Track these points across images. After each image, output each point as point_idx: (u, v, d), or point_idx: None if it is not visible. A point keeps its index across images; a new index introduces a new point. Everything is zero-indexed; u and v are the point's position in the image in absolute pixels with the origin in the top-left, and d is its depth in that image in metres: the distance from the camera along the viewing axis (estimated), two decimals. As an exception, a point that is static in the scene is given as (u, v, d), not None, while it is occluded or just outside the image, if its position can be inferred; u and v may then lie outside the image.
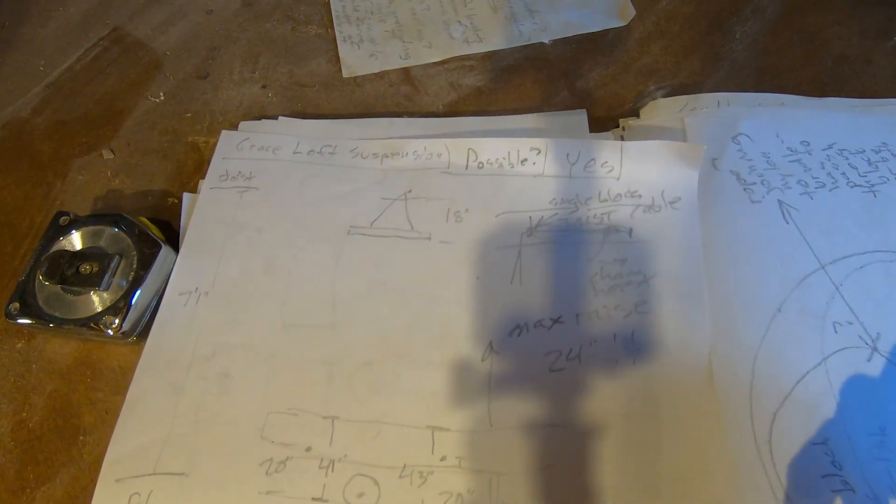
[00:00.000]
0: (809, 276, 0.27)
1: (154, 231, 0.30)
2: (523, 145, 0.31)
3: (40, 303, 0.27)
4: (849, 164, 0.30)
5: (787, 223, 0.28)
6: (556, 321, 0.27)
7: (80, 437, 0.28)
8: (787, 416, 0.24)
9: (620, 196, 0.30)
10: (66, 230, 0.28)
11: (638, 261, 0.28)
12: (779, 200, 0.29)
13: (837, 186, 0.29)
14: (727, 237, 0.28)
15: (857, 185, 0.29)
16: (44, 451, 0.27)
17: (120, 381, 0.28)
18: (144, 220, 0.30)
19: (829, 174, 0.29)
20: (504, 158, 0.31)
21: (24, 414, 0.28)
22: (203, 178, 0.33)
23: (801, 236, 0.28)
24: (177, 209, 0.33)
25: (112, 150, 0.36)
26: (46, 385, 0.29)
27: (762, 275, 0.27)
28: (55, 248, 0.28)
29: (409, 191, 0.32)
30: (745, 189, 0.29)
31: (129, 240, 0.28)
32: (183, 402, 0.27)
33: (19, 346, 0.30)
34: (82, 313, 0.27)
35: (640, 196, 0.29)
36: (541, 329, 0.27)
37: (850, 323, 0.26)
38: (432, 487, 0.25)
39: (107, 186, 0.34)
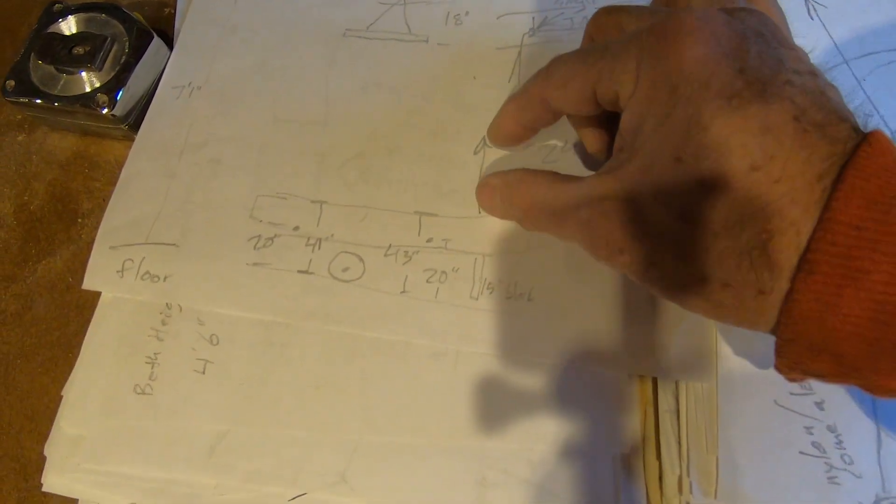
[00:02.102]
0: (830, 70, 0.25)
1: (147, 25, 0.29)
2: (531, -60, 0.29)
3: (35, 81, 0.27)
4: (889, -37, 0.27)
5: (812, 19, 0.26)
6: (553, 116, 0.26)
7: (79, 220, 0.28)
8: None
9: (632, -6, 0.28)
10: (59, 16, 0.28)
11: (645, 56, 0.26)
12: (805, -3, 0.26)
13: (873, -16, 0.26)
14: (744, 32, 0.26)
15: (895, -16, 0.26)
16: (45, 230, 0.28)
17: (116, 174, 0.28)
18: (139, 15, 0.30)
19: (865, -28, 0.27)
20: (510, -42, 0.29)
21: (26, 197, 0.29)
22: (200, -12, 0.32)
23: (825, 31, 0.25)
24: (172, 19, 0.32)
25: (109, -37, 0.35)
26: (46, 174, 0.29)
27: (778, 69, 0.25)
28: (49, 31, 0.28)
29: (409, -5, 0.30)
30: (768, -15, 0.27)
31: (121, 27, 0.28)
32: (174, 185, 0.27)
33: (20, 138, 0.30)
34: (76, 92, 0.27)
35: (652, -7, 0.27)
36: (537, 123, 0.27)
37: (870, 115, 0.24)
38: (417, 265, 0.25)
39: (104, -3, 0.34)
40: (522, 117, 0.24)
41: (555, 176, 0.22)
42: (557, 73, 0.21)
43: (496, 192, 0.23)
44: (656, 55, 0.18)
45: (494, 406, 0.23)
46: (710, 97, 0.16)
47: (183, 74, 0.29)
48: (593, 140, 0.24)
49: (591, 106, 0.21)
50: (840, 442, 0.19)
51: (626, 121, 0.19)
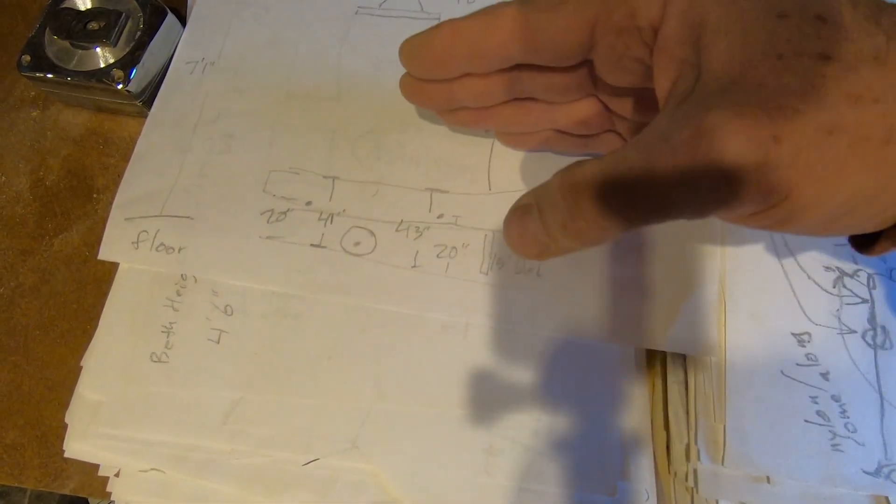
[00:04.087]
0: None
1: (160, 2, 0.29)
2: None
3: (50, 56, 0.27)
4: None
5: None
6: (563, 93, 0.27)
7: (94, 195, 0.29)
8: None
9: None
10: (73, -9, 0.28)
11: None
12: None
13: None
14: None
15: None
16: (60, 205, 0.29)
17: (130, 150, 0.29)
18: (151, -9, 0.30)
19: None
20: (522, -65, 0.29)
21: (42, 173, 0.29)
22: (211, -35, 0.32)
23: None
24: (185, -4, 0.33)
25: (121, -60, 0.35)
26: (61, 150, 0.30)
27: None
28: (63, 6, 0.28)
29: (421, -27, 0.30)
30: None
31: (135, 3, 0.28)
32: (188, 159, 0.27)
33: (34, 114, 0.31)
34: (90, 67, 0.27)
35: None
36: (547, 101, 0.27)
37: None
38: (427, 240, 0.25)
39: (116, -26, 0.34)
40: (470, 37, 0.19)
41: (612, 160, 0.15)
42: None
43: (533, 212, 0.17)
44: None
45: (502, 376, 0.23)
46: None
47: (196, 50, 0.30)
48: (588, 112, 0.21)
49: (576, 44, 0.17)
50: (844, 411, 0.19)
51: (672, 32, 0.16)
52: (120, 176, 0.28)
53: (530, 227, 0.17)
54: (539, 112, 0.22)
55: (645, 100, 0.20)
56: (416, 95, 0.23)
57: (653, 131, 0.15)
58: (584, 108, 0.22)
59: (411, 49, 0.21)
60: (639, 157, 0.14)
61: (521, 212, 0.17)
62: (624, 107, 0.21)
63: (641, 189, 0.14)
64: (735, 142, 0.13)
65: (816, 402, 0.19)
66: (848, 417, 0.19)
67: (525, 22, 0.18)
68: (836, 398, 0.19)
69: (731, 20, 0.15)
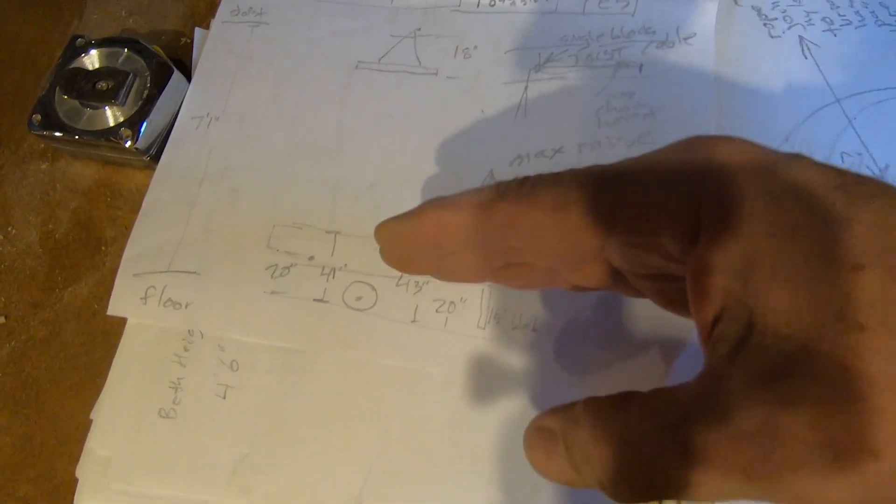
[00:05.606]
0: (822, 110, 0.26)
1: (167, 59, 0.30)
2: (536, -21, 0.30)
3: (60, 115, 0.28)
4: (880, 3, 0.28)
5: (806, 58, 0.27)
6: (557, 151, 0.28)
7: (103, 248, 0.30)
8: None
9: (634, 33, 0.29)
10: (82, 51, 0.29)
11: (646, 94, 0.27)
12: (799, 36, 0.27)
13: (864, 24, 0.27)
14: (740, 71, 0.27)
15: (885, 24, 0.27)
16: (70, 257, 0.29)
17: (138, 202, 0.30)
18: (158, 48, 0.31)
19: (857, 12, 0.28)
20: (517, -5, 0.30)
21: (51, 226, 0.30)
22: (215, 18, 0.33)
23: (818, 71, 0.27)
24: (189, 49, 0.33)
25: (127, -9, 0.36)
26: (70, 202, 0.31)
27: (771, 108, 0.26)
28: (73, 66, 0.29)
29: (419, 28, 0.31)
30: (765, 24, 0.28)
31: (143, 62, 0.29)
32: (195, 213, 0.28)
33: (44, 167, 0.32)
34: (100, 126, 0.28)
35: (654, 32, 0.28)
36: (542, 158, 0.28)
37: (860, 154, 0.25)
38: (427, 295, 0.26)
39: (121, 26, 0.35)
40: (459, 230, 0.17)
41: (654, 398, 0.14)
42: (548, 191, 0.16)
43: (559, 443, 0.15)
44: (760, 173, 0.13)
45: (502, 433, 0.24)
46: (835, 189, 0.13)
47: (201, 105, 0.31)
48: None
49: (585, 249, 0.15)
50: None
51: (713, 256, 0.13)
52: (128, 228, 0.29)
53: (556, 459, 0.15)
54: (541, 274, 0.19)
55: (666, 275, 0.16)
56: (402, 267, 0.20)
57: (706, 400, 0.12)
58: (593, 272, 0.18)
59: (390, 239, 0.19)
60: (684, 434, 0.12)
61: (545, 437, 0.15)
62: (641, 280, 0.17)
63: (685, 482, 0.12)
64: (826, 478, 0.11)
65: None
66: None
67: (527, 219, 0.16)
68: None
69: (792, 263, 0.12)
